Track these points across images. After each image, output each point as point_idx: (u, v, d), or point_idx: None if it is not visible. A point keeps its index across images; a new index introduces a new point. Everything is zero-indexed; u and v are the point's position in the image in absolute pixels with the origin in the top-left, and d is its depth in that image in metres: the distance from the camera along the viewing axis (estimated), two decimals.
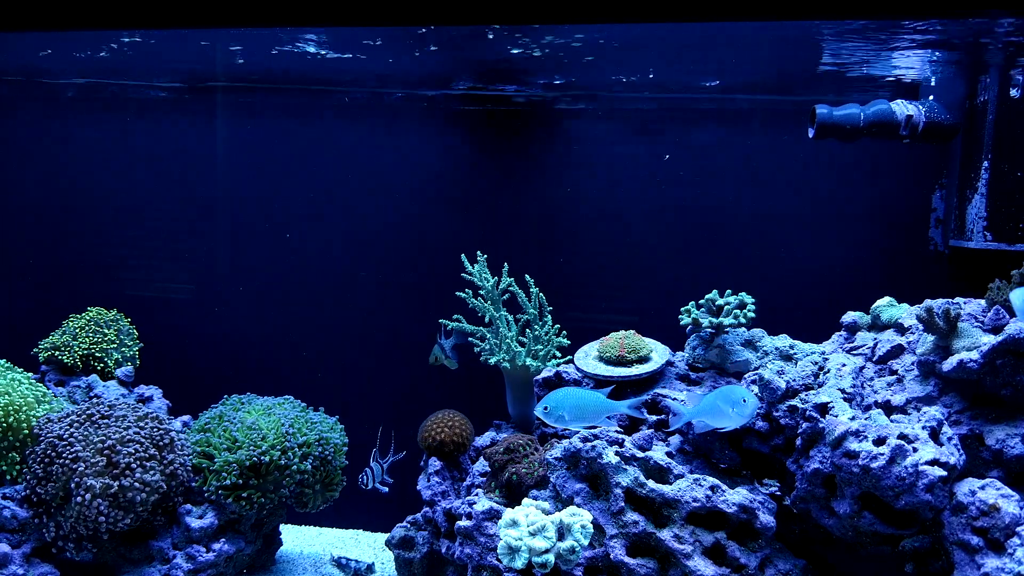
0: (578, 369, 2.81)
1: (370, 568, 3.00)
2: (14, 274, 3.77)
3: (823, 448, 2.23)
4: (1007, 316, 2.30)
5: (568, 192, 3.45)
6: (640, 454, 2.38)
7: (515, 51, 2.92)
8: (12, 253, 3.77)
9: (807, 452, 2.27)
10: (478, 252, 3.00)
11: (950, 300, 2.45)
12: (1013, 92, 2.76)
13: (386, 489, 2.75)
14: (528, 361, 2.91)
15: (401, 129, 3.53)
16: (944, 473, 2.06)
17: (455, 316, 3.03)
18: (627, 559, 2.24)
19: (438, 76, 3.32)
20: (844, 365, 2.49)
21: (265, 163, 3.61)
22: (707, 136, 3.36)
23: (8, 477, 2.66)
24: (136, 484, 2.56)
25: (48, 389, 2.97)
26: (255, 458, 2.72)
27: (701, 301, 2.79)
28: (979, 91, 2.89)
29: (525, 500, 2.34)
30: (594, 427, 2.41)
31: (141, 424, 2.69)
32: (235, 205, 3.65)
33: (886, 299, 2.71)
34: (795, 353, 2.66)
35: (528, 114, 3.45)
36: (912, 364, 2.45)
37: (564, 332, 2.99)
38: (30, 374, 2.98)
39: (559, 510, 2.31)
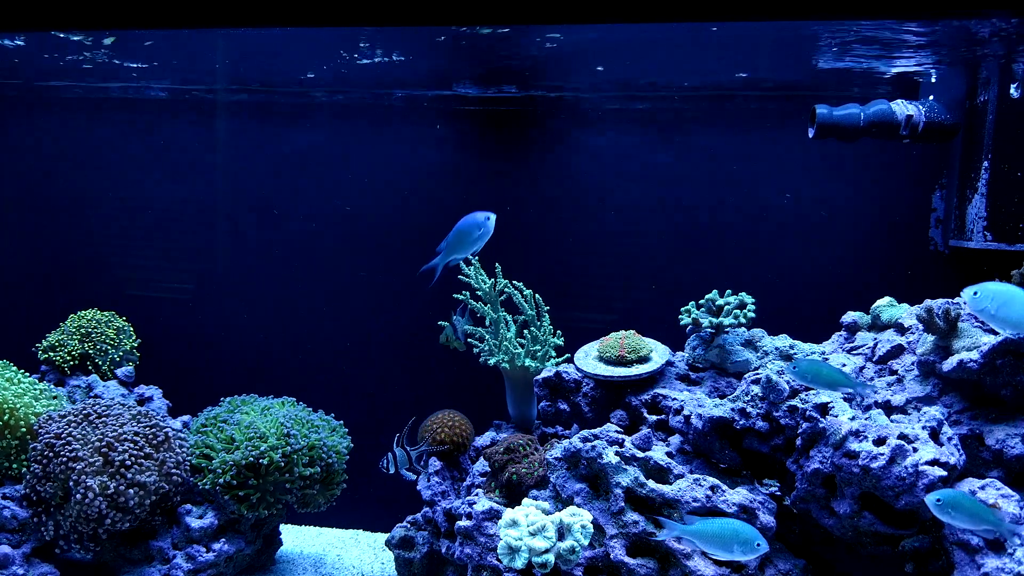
0: (578, 369, 2.81)
1: None
2: (14, 274, 3.77)
3: (823, 448, 2.22)
4: None
5: (568, 192, 3.45)
6: (640, 454, 2.38)
7: (515, 52, 2.92)
8: (12, 253, 3.77)
9: (807, 452, 2.27)
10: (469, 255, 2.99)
11: (950, 300, 2.45)
12: (1013, 92, 2.76)
13: (413, 477, 2.68)
14: (527, 362, 2.91)
15: (401, 130, 3.53)
16: (944, 473, 2.06)
17: (454, 318, 3.02)
18: (627, 559, 2.24)
19: (438, 77, 3.32)
20: (844, 365, 2.49)
21: (265, 164, 3.61)
22: (707, 136, 3.36)
23: (10, 472, 2.67)
24: (131, 488, 2.56)
25: (48, 389, 2.97)
26: (252, 458, 2.72)
27: (701, 301, 2.79)
28: (979, 91, 2.89)
29: (525, 500, 2.34)
30: None
31: (137, 423, 2.69)
32: (235, 205, 3.65)
33: (886, 299, 2.71)
34: (795, 353, 2.66)
35: (528, 114, 3.45)
36: (912, 364, 2.45)
37: (559, 332, 2.99)
38: (32, 376, 2.98)
39: (559, 510, 2.31)
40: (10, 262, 3.77)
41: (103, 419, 2.67)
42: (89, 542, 2.56)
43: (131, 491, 2.55)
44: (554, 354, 2.96)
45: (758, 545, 1.95)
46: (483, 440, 2.95)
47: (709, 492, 2.27)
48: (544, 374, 2.84)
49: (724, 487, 2.29)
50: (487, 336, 2.99)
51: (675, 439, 2.56)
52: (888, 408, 2.40)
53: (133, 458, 2.59)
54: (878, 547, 2.23)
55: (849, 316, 2.75)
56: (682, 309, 2.80)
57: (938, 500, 1.93)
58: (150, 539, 2.70)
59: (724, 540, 1.99)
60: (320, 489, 2.90)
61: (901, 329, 2.60)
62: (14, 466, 2.67)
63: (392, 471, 2.56)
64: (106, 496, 2.51)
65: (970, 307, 2.09)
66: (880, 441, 2.12)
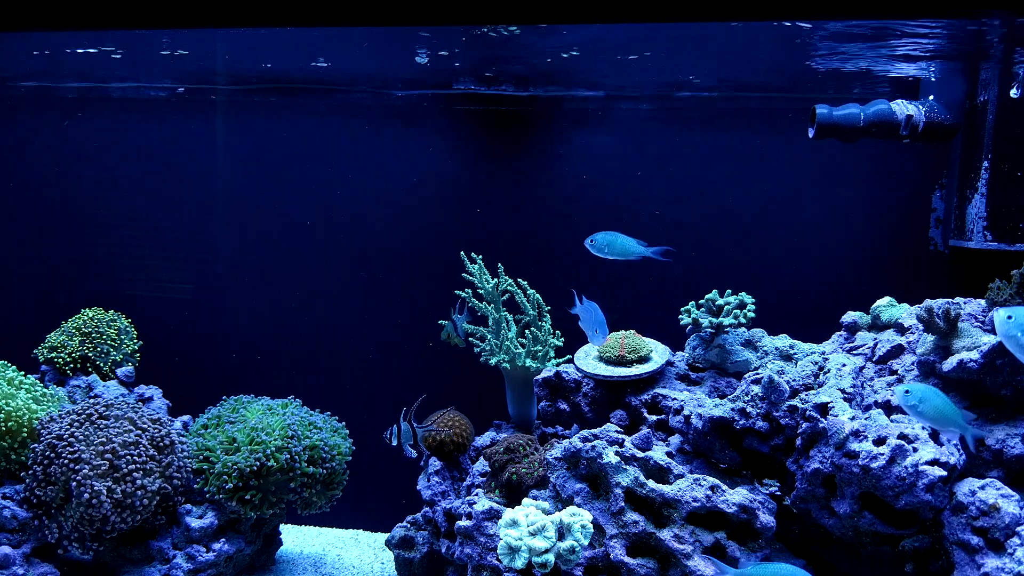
0: (578, 369, 2.81)
1: None
2: (14, 274, 3.77)
3: (823, 448, 2.23)
4: None
5: (568, 192, 3.45)
6: (640, 454, 2.38)
7: (515, 52, 2.92)
8: (12, 253, 3.77)
9: (807, 452, 2.27)
10: (472, 253, 2.99)
11: (950, 300, 2.45)
12: (1013, 92, 2.76)
13: (414, 454, 2.66)
14: (528, 362, 2.91)
15: (401, 129, 3.53)
16: (944, 473, 2.06)
17: (454, 316, 3.02)
18: (627, 559, 2.24)
19: (438, 76, 3.32)
20: (844, 365, 2.49)
21: (265, 163, 3.61)
22: (707, 136, 3.36)
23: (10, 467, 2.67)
24: (137, 491, 2.56)
25: (48, 389, 2.96)
26: (255, 462, 2.71)
27: (701, 301, 2.79)
28: (979, 91, 2.89)
29: (525, 500, 2.34)
30: None
31: (141, 425, 2.69)
32: (235, 205, 3.65)
33: (886, 299, 2.71)
34: (795, 353, 2.66)
35: (528, 114, 3.45)
36: (912, 364, 2.45)
37: (558, 332, 2.99)
38: (32, 376, 2.98)
39: (559, 510, 2.31)
40: (10, 262, 3.77)
41: (106, 420, 2.67)
42: (91, 542, 2.56)
43: (138, 493, 2.55)
44: (554, 354, 2.96)
45: None
46: (483, 440, 2.95)
47: (709, 492, 2.27)
48: (544, 374, 2.84)
49: (724, 487, 2.29)
50: (488, 336, 2.99)
51: (675, 439, 2.56)
52: (888, 408, 2.40)
53: (139, 461, 2.59)
54: (878, 547, 2.23)
55: (849, 316, 2.75)
56: (682, 309, 2.80)
57: (907, 392, 2.01)
58: (150, 539, 2.70)
59: None
60: (321, 490, 2.90)
61: (901, 329, 2.60)
62: (12, 457, 2.66)
63: (395, 443, 2.56)
64: (112, 500, 2.51)
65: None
66: (880, 441, 2.13)
